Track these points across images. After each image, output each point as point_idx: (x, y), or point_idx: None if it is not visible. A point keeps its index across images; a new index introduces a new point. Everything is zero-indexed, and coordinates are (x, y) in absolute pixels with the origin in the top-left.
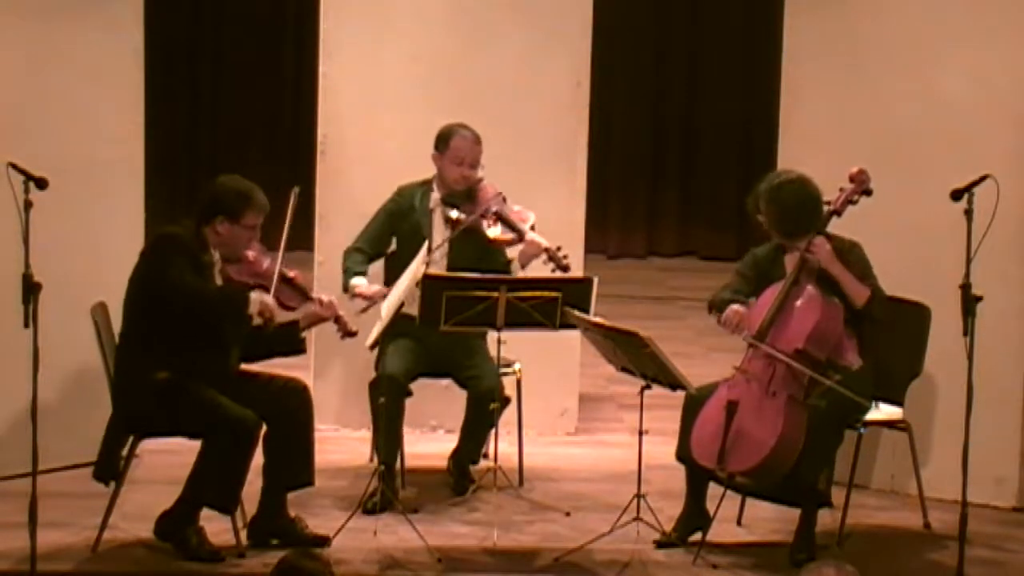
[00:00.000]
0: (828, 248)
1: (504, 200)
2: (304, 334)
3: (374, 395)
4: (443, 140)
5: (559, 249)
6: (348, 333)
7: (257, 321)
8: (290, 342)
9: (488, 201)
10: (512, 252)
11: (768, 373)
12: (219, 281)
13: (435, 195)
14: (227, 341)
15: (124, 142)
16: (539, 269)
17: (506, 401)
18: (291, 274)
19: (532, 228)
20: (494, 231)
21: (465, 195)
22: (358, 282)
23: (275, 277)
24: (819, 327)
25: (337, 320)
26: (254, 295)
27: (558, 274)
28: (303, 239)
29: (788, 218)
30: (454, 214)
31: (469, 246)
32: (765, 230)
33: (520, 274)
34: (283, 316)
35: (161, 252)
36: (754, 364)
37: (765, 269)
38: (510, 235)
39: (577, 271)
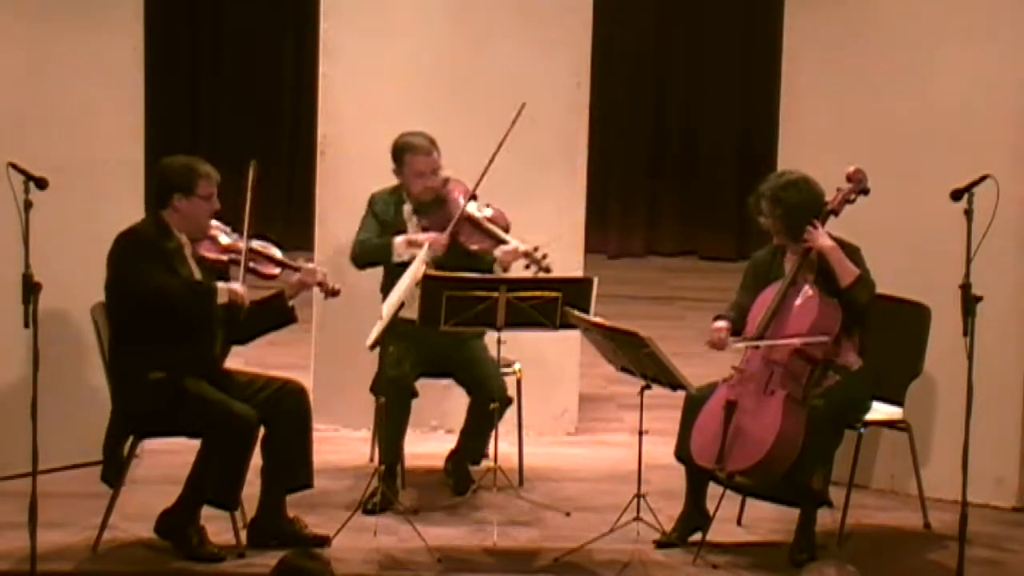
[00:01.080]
0: (822, 230)
1: (474, 198)
2: (292, 303)
3: (380, 396)
4: (397, 156)
5: (536, 249)
6: (332, 293)
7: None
8: (280, 314)
9: (456, 211)
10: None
11: (767, 372)
12: (192, 262)
13: (407, 207)
14: (209, 332)
15: (124, 142)
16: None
17: (508, 401)
18: (260, 245)
19: (507, 229)
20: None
21: (434, 201)
22: (399, 239)
23: (243, 250)
24: (816, 326)
25: (320, 284)
26: (221, 285)
27: (541, 275)
28: (303, 239)
29: (792, 219)
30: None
31: (452, 253)
32: (767, 231)
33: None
34: (265, 287)
35: (122, 255)
36: (752, 364)
37: (764, 273)
38: (487, 242)
39: (577, 271)
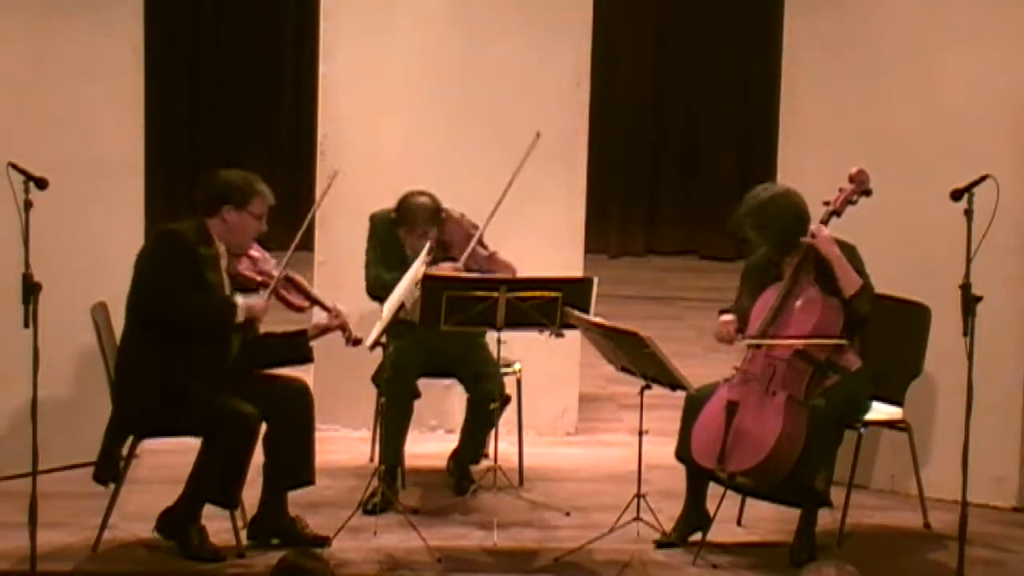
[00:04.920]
0: (828, 234)
1: (479, 240)
2: (312, 344)
3: (381, 389)
4: (398, 216)
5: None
6: (354, 341)
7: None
8: (298, 351)
9: (461, 252)
10: None
11: (768, 373)
12: (224, 274)
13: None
14: (224, 344)
15: (124, 141)
16: None
17: (506, 400)
18: (298, 278)
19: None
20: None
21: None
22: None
23: (278, 276)
24: (818, 327)
25: (343, 328)
26: (240, 303)
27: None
28: (303, 239)
29: (777, 238)
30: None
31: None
32: (755, 248)
33: None
34: (290, 320)
35: (155, 251)
36: (754, 364)
37: (761, 275)
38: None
39: (577, 271)
